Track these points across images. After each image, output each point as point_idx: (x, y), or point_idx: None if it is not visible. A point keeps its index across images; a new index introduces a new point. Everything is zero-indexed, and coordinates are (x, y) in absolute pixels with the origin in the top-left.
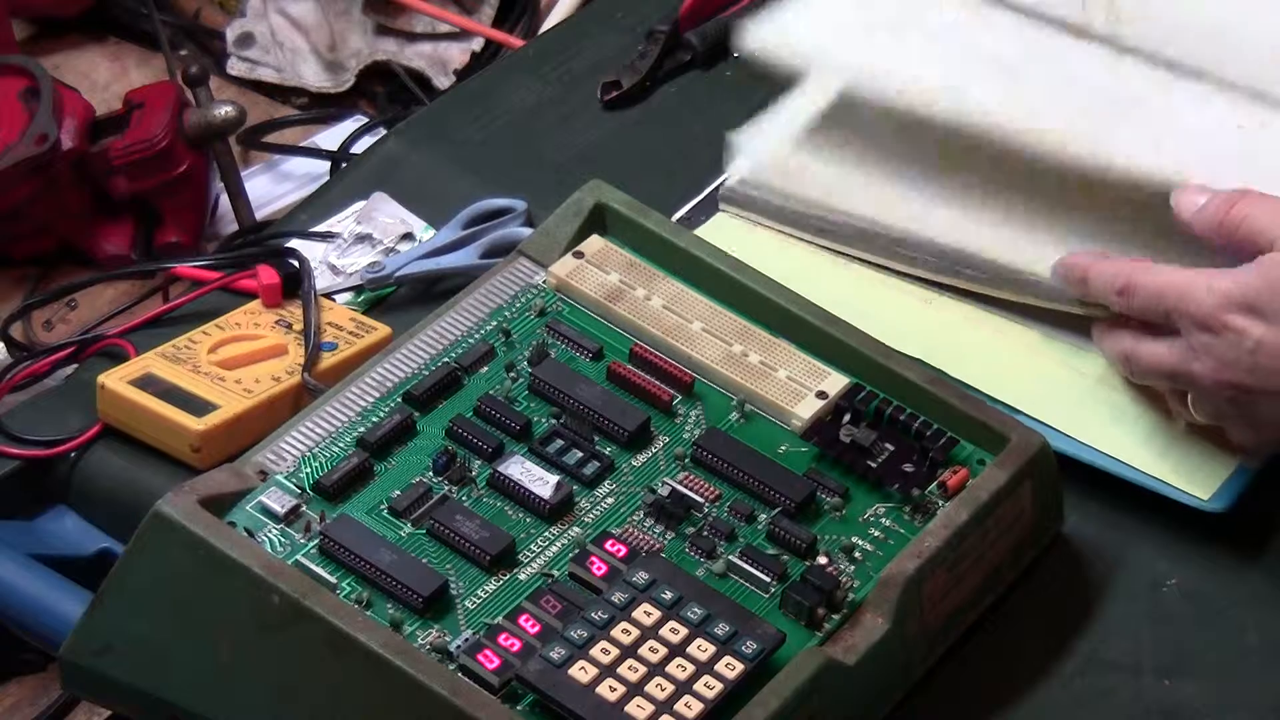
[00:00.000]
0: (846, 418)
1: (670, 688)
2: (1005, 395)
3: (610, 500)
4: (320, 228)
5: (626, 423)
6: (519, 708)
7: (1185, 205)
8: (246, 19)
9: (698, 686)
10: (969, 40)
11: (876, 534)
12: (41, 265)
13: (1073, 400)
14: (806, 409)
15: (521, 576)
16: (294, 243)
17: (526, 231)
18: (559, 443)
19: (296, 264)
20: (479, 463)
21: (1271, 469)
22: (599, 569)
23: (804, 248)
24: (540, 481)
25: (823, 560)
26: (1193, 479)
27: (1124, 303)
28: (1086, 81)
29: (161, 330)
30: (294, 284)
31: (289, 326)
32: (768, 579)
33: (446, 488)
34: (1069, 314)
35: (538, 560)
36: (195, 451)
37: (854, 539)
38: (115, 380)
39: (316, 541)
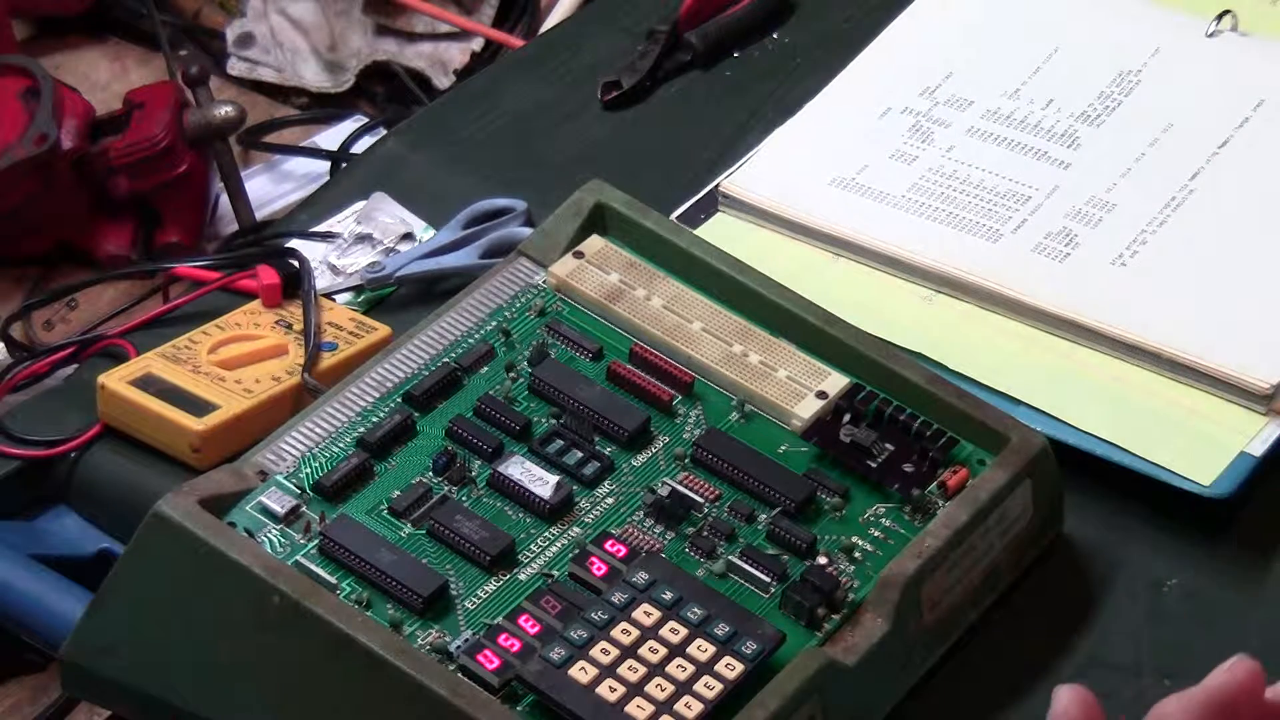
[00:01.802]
0: (846, 418)
1: (670, 688)
2: (1005, 386)
3: (610, 500)
4: (320, 228)
5: (626, 423)
6: (519, 708)
7: None
8: (246, 19)
9: (698, 687)
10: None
11: (876, 534)
12: (41, 265)
13: (1073, 389)
14: (806, 409)
15: (521, 577)
16: (294, 243)
17: (526, 231)
18: (559, 443)
19: (296, 264)
20: (479, 463)
21: (1272, 466)
22: (599, 569)
23: (804, 248)
24: (540, 482)
25: (823, 560)
26: (1193, 465)
27: None
28: None
29: (161, 330)
30: (294, 284)
31: (289, 326)
32: (768, 579)
33: (446, 488)
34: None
35: (538, 560)
36: (195, 451)
37: (854, 539)
38: (115, 380)
39: (316, 542)
